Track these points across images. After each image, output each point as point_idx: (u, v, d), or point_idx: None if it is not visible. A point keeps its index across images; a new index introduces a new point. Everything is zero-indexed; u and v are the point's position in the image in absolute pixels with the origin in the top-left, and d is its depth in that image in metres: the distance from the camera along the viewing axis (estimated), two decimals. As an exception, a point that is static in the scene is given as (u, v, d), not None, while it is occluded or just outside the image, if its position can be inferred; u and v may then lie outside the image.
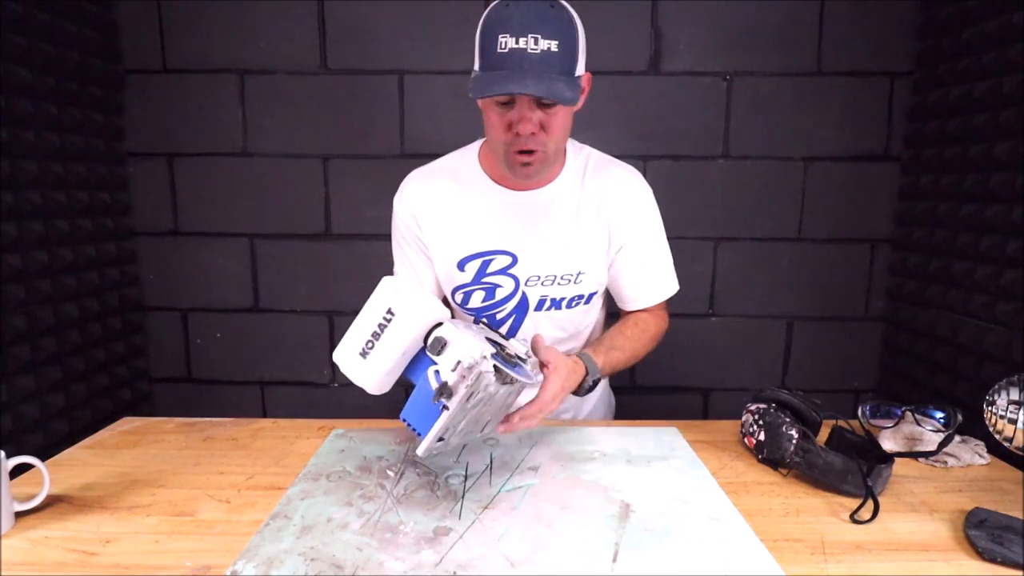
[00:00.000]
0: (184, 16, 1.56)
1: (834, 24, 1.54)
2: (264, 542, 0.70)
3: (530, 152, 0.91)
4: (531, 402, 0.85)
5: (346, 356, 0.76)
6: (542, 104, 0.87)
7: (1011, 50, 1.22)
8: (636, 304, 1.10)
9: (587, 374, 0.94)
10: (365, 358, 0.74)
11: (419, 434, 0.72)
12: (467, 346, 0.70)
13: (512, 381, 0.75)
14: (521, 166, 0.93)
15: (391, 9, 1.55)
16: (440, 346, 0.71)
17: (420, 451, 0.72)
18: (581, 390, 0.95)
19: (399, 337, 0.72)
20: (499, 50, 0.83)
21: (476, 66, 0.89)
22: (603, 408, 1.24)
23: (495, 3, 0.86)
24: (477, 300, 1.05)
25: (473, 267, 1.03)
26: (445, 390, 0.69)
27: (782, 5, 1.54)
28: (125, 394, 1.61)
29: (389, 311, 0.72)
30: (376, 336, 0.73)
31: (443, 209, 1.03)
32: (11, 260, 1.25)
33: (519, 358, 0.81)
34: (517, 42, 0.82)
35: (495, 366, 0.71)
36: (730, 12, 1.54)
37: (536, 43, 0.82)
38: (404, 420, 0.74)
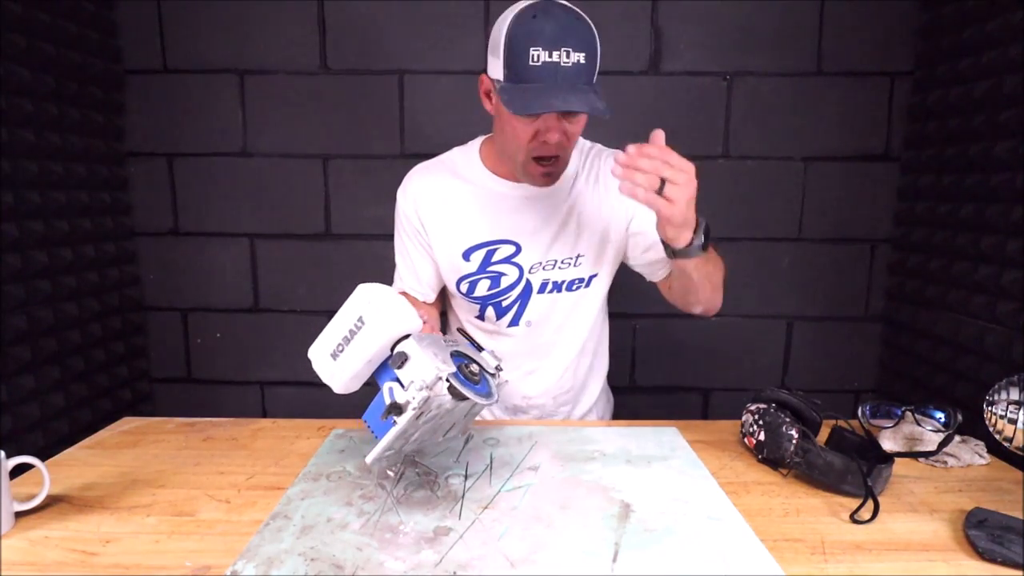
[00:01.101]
0: (184, 16, 1.56)
1: (834, 24, 1.54)
2: (264, 542, 0.70)
3: (551, 161, 0.95)
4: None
5: (318, 354, 0.78)
6: (567, 114, 0.90)
7: (1011, 50, 1.22)
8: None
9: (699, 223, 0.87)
10: (335, 360, 0.76)
11: (376, 437, 0.73)
12: (423, 366, 0.71)
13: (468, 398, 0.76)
14: (543, 176, 0.97)
15: (391, 9, 1.55)
16: (401, 360, 0.72)
17: (368, 459, 0.73)
18: (693, 245, 0.86)
19: (366, 345, 0.74)
20: (531, 63, 0.84)
21: (500, 75, 0.88)
22: (602, 405, 1.24)
23: (520, 12, 0.86)
24: (483, 289, 1.07)
25: (478, 257, 1.05)
26: (395, 408, 0.70)
27: (782, 5, 1.54)
28: (125, 394, 1.61)
29: (360, 319, 0.74)
30: (346, 341, 0.75)
31: (446, 202, 1.05)
32: (11, 260, 1.24)
33: (486, 373, 0.81)
34: (550, 56, 0.83)
35: (451, 387, 0.72)
36: (730, 12, 1.54)
37: (568, 56, 0.84)
38: (364, 422, 0.76)
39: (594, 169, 1.07)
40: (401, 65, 1.57)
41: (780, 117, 1.58)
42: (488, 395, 0.78)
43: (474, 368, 0.77)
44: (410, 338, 0.74)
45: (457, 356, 0.78)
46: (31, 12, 1.28)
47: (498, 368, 0.83)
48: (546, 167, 0.96)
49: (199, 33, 1.57)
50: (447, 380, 0.71)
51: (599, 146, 1.12)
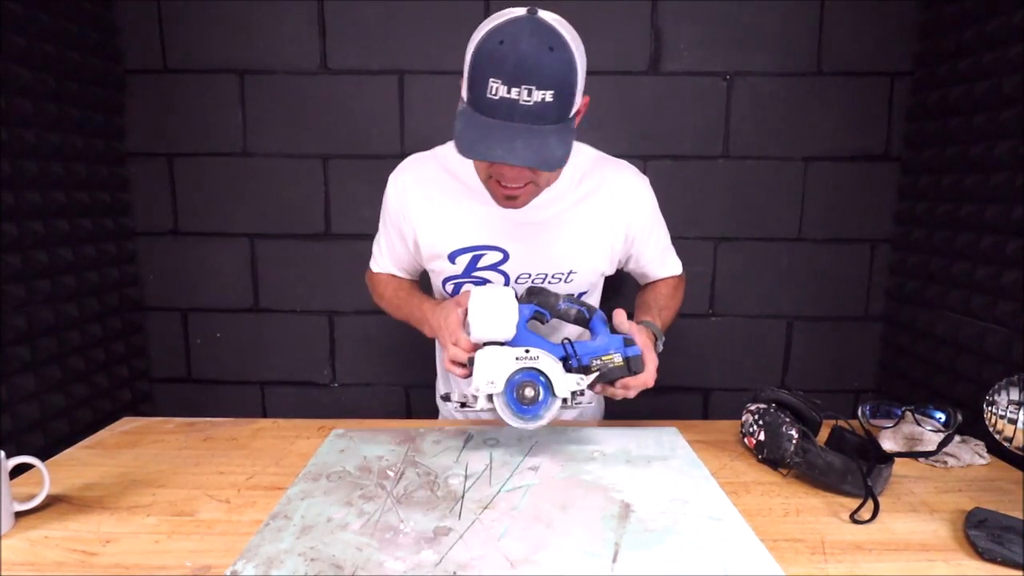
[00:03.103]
0: (184, 16, 1.56)
1: (834, 24, 1.54)
2: (264, 542, 0.70)
3: (517, 193, 0.93)
4: (636, 376, 0.92)
5: None
6: None
7: (1011, 50, 1.22)
8: (657, 276, 1.18)
9: (656, 338, 1.01)
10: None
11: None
12: (474, 377, 0.86)
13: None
14: (505, 199, 0.95)
15: (391, 9, 1.55)
16: (471, 362, 0.87)
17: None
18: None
19: (473, 331, 0.89)
20: (489, 95, 0.77)
21: (464, 96, 0.84)
22: (594, 407, 1.24)
23: (490, 31, 0.79)
24: None
25: (464, 260, 1.04)
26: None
27: (782, 5, 1.53)
28: (125, 394, 1.61)
29: (468, 313, 0.88)
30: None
31: (436, 201, 1.03)
32: (11, 260, 1.24)
33: (550, 394, 0.88)
34: (509, 91, 0.76)
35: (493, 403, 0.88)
36: (730, 12, 1.54)
37: (530, 95, 0.77)
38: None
39: (593, 181, 1.03)
40: (401, 65, 1.57)
41: (780, 117, 1.58)
42: (531, 419, 0.88)
43: (528, 392, 0.86)
44: (491, 347, 0.87)
45: (527, 372, 0.86)
46: (31, 12, 1.28)
47: (576, 394, 0.88)
48: (507, 190, 0.92)
49: (199, 33, 1.56)
50: (492, 397, 0.87)
51: (601, 155, 1.08)
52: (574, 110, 0.84)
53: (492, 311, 0.87)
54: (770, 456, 0.90)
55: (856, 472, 0.81)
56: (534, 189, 0.94)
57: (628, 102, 1.57)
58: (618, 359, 0.91)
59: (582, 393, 0.88)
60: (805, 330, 1.68)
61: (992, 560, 0.68)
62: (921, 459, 0.95)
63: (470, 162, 1.03)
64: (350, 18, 1.56)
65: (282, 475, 0.88)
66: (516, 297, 0.91)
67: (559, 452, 0.95)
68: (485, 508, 0.78)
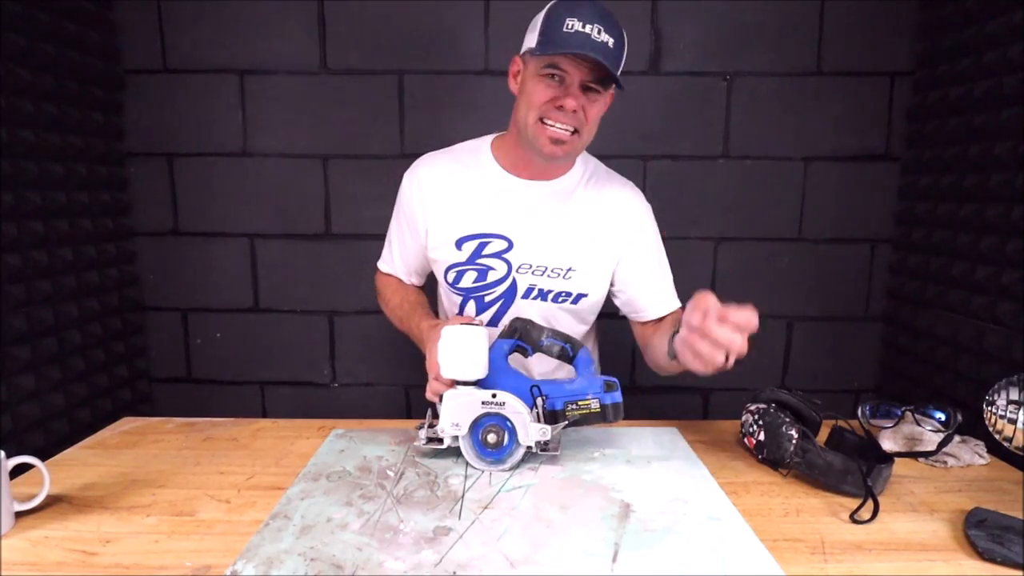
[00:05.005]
0: (184, 16, 1.56)
1: (834, 24, 1.54)
2: (264, 542, 0.70)
3: (562, 133, 0.95)
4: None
5: None
6: (587, 90, 0.93)
7: (1011, 50, 1.22)
8: (656, 311, 1.09)
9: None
10: None
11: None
12: (440, 417, 0.88)
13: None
14: (550, 143, 0.96)
15: (391, 9, 1.55)
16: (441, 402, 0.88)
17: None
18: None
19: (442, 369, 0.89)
20: (565, 30, 0.88)
21: (533, 42, 0.93)
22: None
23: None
24: (469, 280, 1.07)
25: (469, 247, 1.06)
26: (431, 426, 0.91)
27: (782, 5, 1.53)
28: (125, 394, 1.61)
29: (438, 351, 0.88)
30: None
31: (448, 188, 1.07)
32: (11, 260, 1.24)
33: (515, 443, 0.87)
34: (584, 27, 0.88)
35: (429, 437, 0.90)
36: (730, 12, 1.54)
37: (600, 33, 0.88)
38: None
39: (600, 187, 1.08)
40: (401, 65, 1.57)
41: (780, 117, 1.58)
42: (495, 462, 0.88)
43: (491, 438, 0.86)
44: (461, 388, 0.87)
45: (492, 417, 0.86)
46: (31, 12, 1.28)
47: (542, 444, 0.87)
48: (554, 133, 0.95)
49: (199, 33, 1.56)
50: (457, 439, 0.88)
51: (604, 167, 1.12)
52: (619, 70, 0.93)
53: (460, 352, 0.87)
54: (770, 456, 0.90)
55: (856, 472, 0.81)
56: (577, 141, 0.97)
57: (628, 102, 1.57)
58: (595, 405, 0.87)
59: (546, 445, 0.87)
60: (805, 330, 1.68)
61: (992, 560, 0.68)
62: (921, 459, 0.95)
63: (486, 154, 1.07)
64: (350, 18, 1.56)
65: (282, 475, 0.88)
66: (501, 330, 0.94)
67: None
68: (485, 508, 0.78)
